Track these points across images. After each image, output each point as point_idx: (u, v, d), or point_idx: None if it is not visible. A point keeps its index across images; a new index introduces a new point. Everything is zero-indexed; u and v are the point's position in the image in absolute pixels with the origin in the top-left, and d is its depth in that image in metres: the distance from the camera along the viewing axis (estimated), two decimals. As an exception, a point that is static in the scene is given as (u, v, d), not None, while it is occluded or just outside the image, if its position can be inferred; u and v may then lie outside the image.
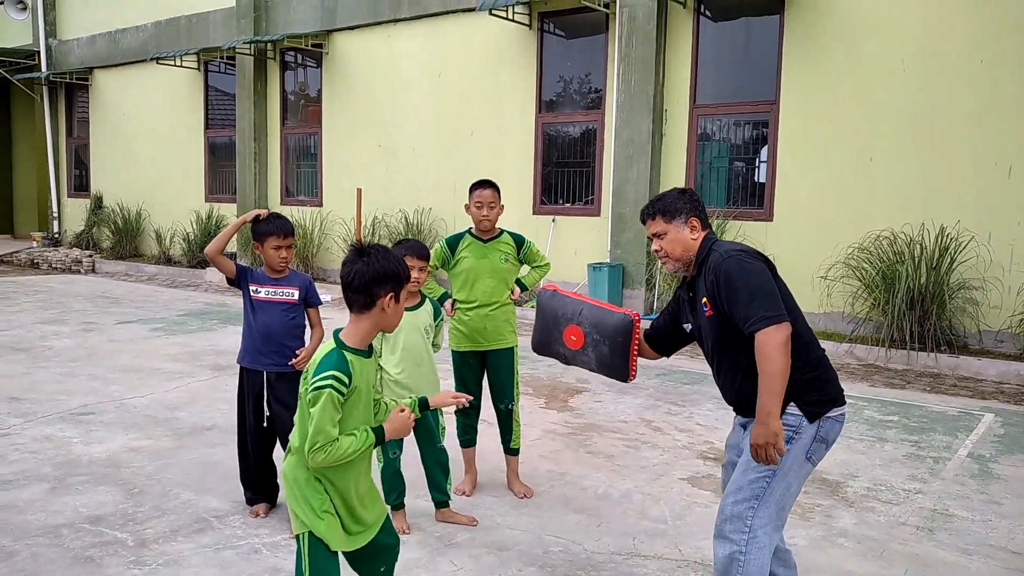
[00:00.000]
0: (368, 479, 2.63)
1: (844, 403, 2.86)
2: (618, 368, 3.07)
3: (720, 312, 2.79)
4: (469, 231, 4.55)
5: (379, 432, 2.49)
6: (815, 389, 2.78)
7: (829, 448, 2.85)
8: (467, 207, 4.52)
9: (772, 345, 2.59)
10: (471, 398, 2.93)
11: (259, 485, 4.19)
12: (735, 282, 2.70)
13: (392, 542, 2.70)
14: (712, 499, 4.52)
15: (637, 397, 6.72)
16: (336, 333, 2.52)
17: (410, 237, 4.23)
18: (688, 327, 3.07)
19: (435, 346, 4.14)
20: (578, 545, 3.92)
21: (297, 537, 2.51)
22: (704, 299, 2.85)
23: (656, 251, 2.99)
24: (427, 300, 4.13)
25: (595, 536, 4.02)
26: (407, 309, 3.92)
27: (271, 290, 4.06)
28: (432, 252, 4.38)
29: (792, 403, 2.74)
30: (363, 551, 2.61)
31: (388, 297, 2.47)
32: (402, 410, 2.56)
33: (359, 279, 2.44)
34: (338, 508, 2.52)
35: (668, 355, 3.25)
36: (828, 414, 2.78)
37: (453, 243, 4.52)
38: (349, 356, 2.45)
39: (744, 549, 2.72)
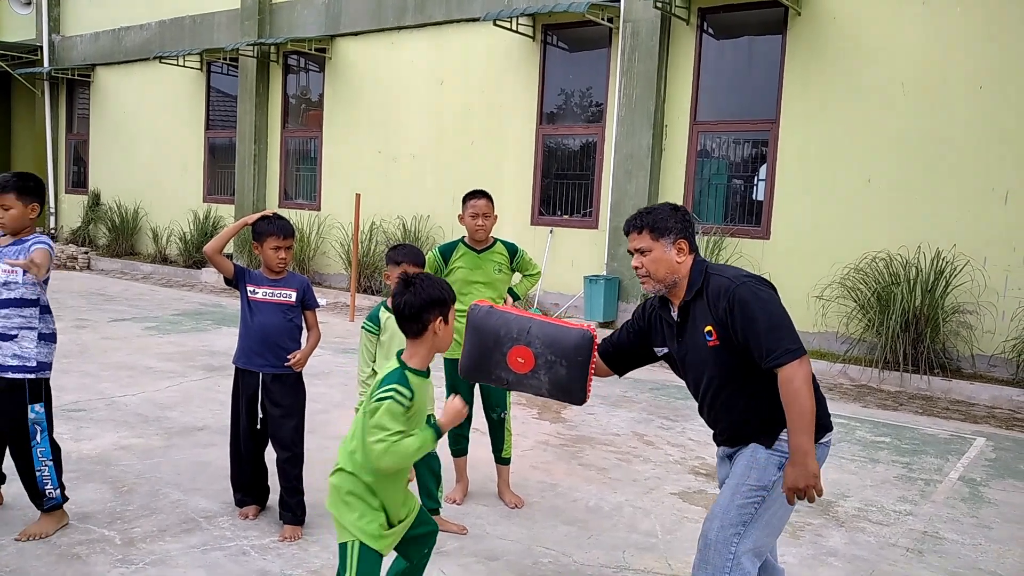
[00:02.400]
0: (405, 482, 2.80)
1: (831, 428, 2.80)
2: (575, 390, 2.82)
3: (729, 342, 2.64)
4: (462, 240, 4.55)
5: (436, 427, 2.65)
6: None
7: None
8: (460, 217, 4.51)
9: (800, 381, 2.50)
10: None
11: (249, 487, 4.17)
12: (753, 311, 2.57)
13: (430, 528, 2.89)
14: (703, 514, 4.51)
15: (630, 411, 6.72)
16: (399, 355, 2.69)
17: (405, 243, 4.20)
18: (662, 351, 2.91)
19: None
20: (568, 557, 3.91)
21: (343, 545, 2.67)
22: (708, 328, 2.69)
23: (636, 267, 2.78)
24: None
25: (585, 548, 4.01)
26: None
27: (269, 291, 4.04)
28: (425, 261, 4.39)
29: (785, 431, 2.64)
30: (404, 539, 2.80)
31: (438, 320, 2.67)
32: (454, 398, 2.73)
33: (409, 308, 2.65)
34: (388, 513, 2.69)
35: (622, 374, 3.09)
36: (820, 440, 2.70)
37: (446, 252, 4.51)
38: (410, 375, 2.62)
39: None
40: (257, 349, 4.00)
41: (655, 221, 2.75)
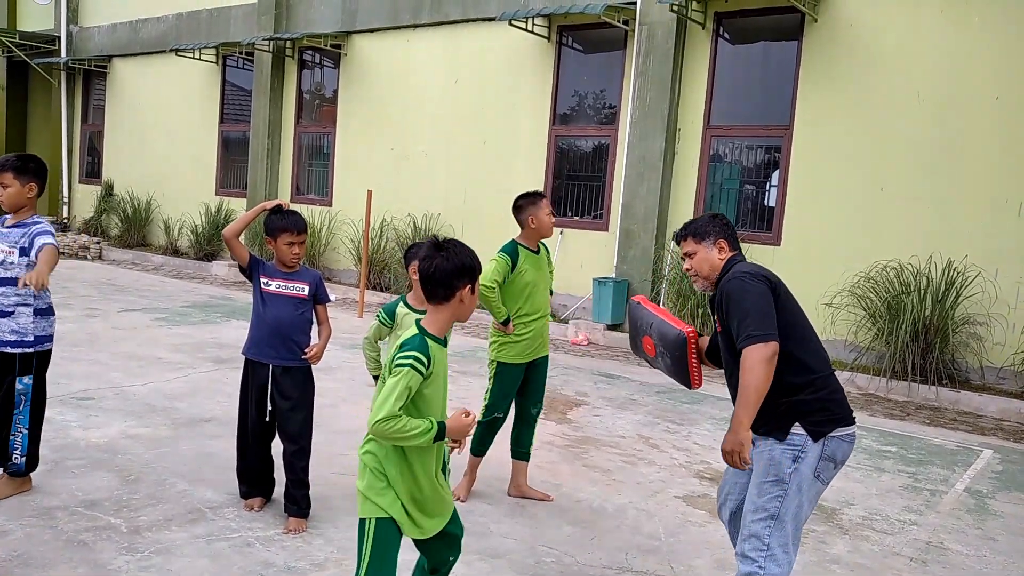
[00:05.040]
0: (440, 470, 2.73)
1: (852, 423, 2.93)
2: (681, 377, 3.27)
3: (726, 328, 2.94)
4: (516, 243, 4.49)
5: (443, 427, 2.59)
6: (819, 410, 2.87)
7: (839, 467, 2.94)
8: (532, 218, 4.44)
9: (752, 360, 2.72)
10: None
11: (255, 479, 4.18)
12: (733, 302, 2.87)
13: (459, 532, 2.82)
14: (706, 518, 4.52)
15: (636, 413, 6.71)
16: (418, 322, 2.67)
17: (420, 242, 4.24)
18: None
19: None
20: (571, 557, 3.91)
21: (362, 521, 2.61)
22: (716, 316, 3.03)
23: (687, 270, 3.19)
24: None
25: (588, 549, 4.02)
26: (416, 312, 3.93)
27: (282, 284, 4.06)
28: (492, 267, 4.33)
29: (797, 423, 2.85)
30: (433, 539, 2.71)
31: (466, 288, 2.63)
32: (467, 414, 2.65)
33: (439, 272, 2.59)
34: (415, 495, 2.62)
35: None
36: (833, 433, 2.87)
37: (514, 256, 4.42)
38: (430, 343, 2.59)
39: (763, 565, 2.86)
40: (268, 341, 4.02)
41: (696, 228, 3.17)
